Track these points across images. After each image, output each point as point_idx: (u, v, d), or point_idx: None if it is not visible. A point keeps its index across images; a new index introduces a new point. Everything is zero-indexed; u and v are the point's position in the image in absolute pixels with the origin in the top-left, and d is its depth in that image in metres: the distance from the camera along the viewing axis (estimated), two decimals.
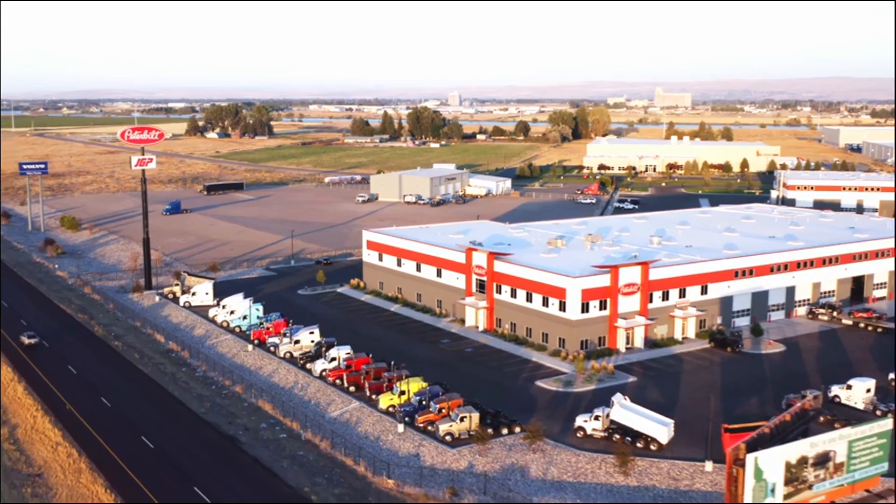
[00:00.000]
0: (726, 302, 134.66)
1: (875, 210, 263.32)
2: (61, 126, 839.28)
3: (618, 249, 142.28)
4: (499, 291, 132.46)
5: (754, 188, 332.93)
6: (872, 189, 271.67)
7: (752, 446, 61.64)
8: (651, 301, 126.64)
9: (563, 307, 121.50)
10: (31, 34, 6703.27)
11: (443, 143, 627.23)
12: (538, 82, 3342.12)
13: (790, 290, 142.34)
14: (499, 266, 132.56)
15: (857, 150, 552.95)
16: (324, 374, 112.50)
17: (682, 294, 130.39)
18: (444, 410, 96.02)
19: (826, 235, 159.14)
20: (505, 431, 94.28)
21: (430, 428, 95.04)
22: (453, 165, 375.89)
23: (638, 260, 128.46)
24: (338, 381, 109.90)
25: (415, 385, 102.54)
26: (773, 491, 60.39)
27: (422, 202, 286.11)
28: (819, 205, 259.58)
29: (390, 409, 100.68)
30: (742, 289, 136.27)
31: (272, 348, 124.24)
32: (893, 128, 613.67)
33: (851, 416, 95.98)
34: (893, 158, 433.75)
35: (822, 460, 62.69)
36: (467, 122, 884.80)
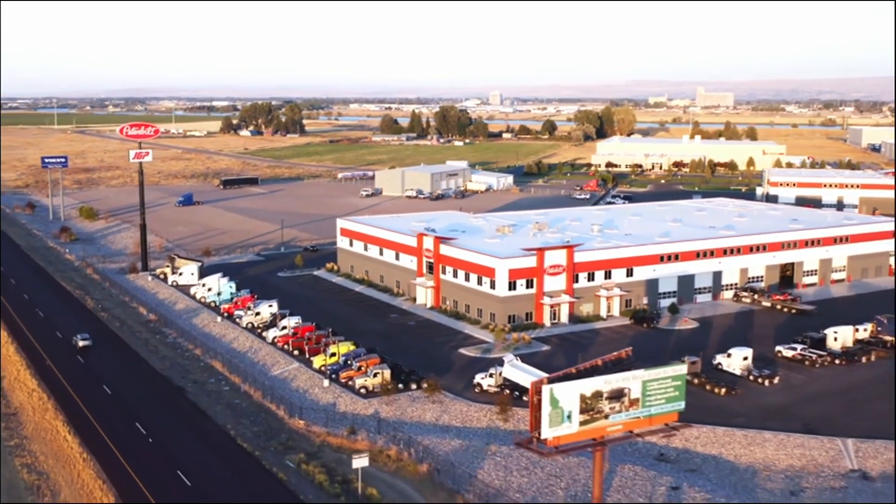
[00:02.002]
0: (652, 284, 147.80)
1: (855, 206, 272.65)
2: (104, 123, 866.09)
3: (559, 236, 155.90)
4: (444, 272, 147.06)
5: (752, 185, 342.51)
6: (853, 186, 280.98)
7: (555, 381, 75.71)
8: (577, 281, 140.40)
9: (492, 285, 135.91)
10: (84, 34, 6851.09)
11: (467, 141, 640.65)
12: (581, 81, 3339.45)
13: (717, 275, 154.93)
14: (444, 249, 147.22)
15: (877, 149, 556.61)
16: (275, 340, 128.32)
17: (608, 276, 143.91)
18: (362, 368, 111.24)
19: (762, 226, 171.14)
20: (414, 387, 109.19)
21: (349, 383, 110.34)
22: (465, 162, 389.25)
23: (567, 244, 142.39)
24: (285, 346, 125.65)
25: (344, 348, 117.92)
26: (569, 417, 74.26)
27: (422, 196, 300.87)
28: (800, 201, 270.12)
29: (322, 368, 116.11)
30: (667, 272, 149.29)
31: (237, 319, 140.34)
32: (893, 127, 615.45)
33: (729, 381, 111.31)
34: (894, 156, 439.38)
35: (617, 395, 76.23)
36: (501, 122, 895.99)
